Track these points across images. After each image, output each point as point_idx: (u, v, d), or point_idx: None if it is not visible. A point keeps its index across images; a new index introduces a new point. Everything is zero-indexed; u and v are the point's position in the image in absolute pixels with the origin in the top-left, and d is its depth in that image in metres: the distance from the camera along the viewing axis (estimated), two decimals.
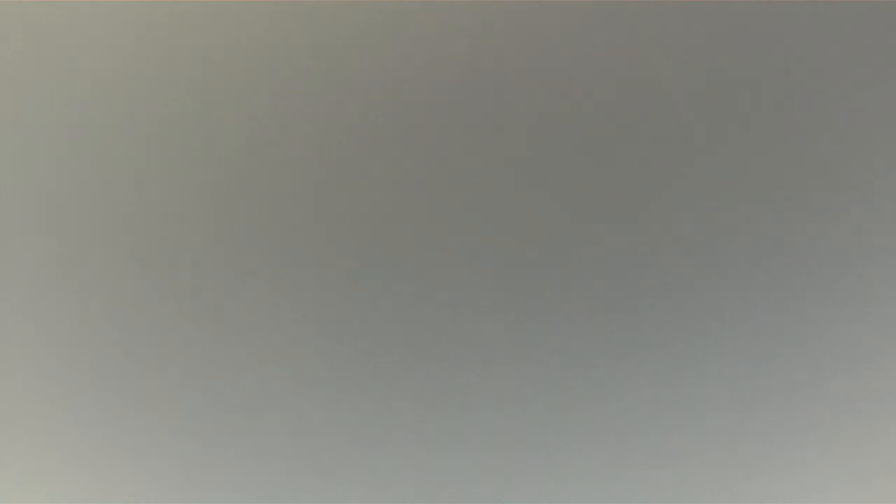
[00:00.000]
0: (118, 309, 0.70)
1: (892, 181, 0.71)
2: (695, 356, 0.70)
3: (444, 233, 0.70)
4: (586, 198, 0.70)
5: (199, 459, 0.70)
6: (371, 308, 0.70)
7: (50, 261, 0.71)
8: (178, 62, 0.72)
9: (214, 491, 0.70)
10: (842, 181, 0.71)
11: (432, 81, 0.71)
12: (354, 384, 0.70)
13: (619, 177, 0.70)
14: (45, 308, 0.71)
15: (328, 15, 0.72)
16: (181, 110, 0.72)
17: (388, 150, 0.71)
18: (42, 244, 0.71)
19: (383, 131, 0.71)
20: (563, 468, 0.70)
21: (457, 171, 0.70)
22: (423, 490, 0.70)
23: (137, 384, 0.70)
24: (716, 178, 0.70)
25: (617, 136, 0.70)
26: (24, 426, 0.70)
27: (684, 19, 0.70)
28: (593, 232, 0.70)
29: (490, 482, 0.70)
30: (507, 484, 0.70)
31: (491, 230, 0.70)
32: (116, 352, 0.71)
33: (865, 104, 0.71)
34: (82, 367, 0.71)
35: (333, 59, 0.72)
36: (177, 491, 0.70)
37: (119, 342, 0.70)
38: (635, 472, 0.70)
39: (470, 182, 0.70)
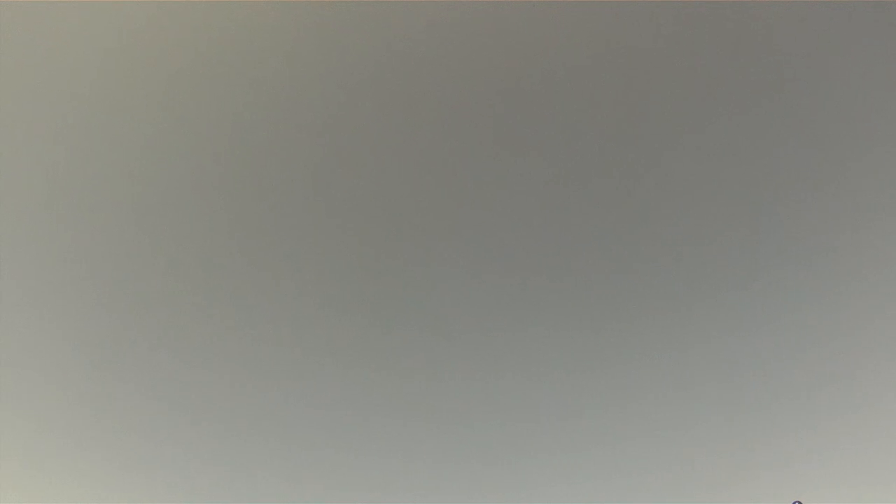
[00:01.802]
0: (119, 307, 0.70)
1: (892, 181, 0.71)
2: (696, 359, 0.70)
3: (446, 230, 0.69)
4: (587, 197, 0.70)
5: (199, 458, 0.70)
6: (376, 311, 0.70)
7: (52, 259, 0.71)
8: (178, 62, 0.72)
9: (216, 490, 0.70)
10: (842, 182, 0.71)
11: (432, 82, 0.71)
12: (356, 384, 0.70)
13: (619, 177, 0.70)
14: (48, 306, 0.70)
15: (328, 15, 0.72)
16: (182, 110, 0.71)
17: (392, 150, 0.70)
18: (44, 243, 0.71)
19: (386, 131, 0.71)
20: (566, 471, 0.70)
21: (458, 171, 0.70)
22: (425, 491, 0.70)
23: (138, 384, 0.70)
24: (717, 180, 0.70)
25: (619, 137, 0.70)
26: (25, 426, 0.70)
27: (684, 19, 0.70)
28: (595, 233, 0.70)
29: (493, 486, 0.70)
30: (510, 487, 0.70)
31: (494, 230, 0.70)
32: (117, 351, 0.70)
33: (865, 104, 0.71)
34: (85, 364, 0.70)
35: (334, 59, 0.72)
36: (178, 490, 0.70)
37: (119, 341, 0.70)
38: (636, 476, 0.70)
39: (472, 182, 0.70)
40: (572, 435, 0.71)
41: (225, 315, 0.72)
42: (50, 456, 0.72)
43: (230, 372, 0.72)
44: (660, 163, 0.71)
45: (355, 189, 0.72)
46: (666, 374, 0.70)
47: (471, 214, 0.72)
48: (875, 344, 0.71)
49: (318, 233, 0.72)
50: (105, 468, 0.72)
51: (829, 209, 0.71)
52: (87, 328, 0.73)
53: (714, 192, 0.72)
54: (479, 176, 0.72)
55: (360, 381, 0.72)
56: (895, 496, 0.69)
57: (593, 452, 0.71)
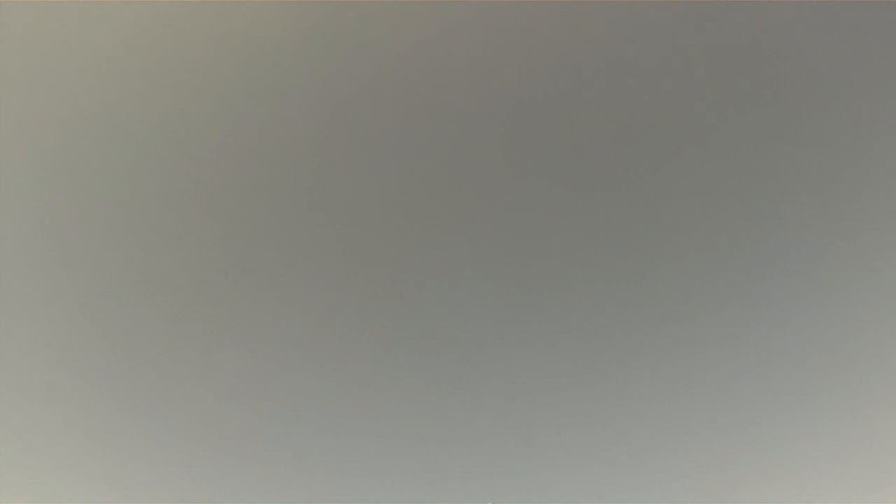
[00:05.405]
0: (117, 309, 0.70)
1: (892, 181, 0.71)
2: (697, 356, 0.70)
3: (449, 242, 0.69)
4: (586, 195, 0.70)
5: (197, 459, 0.70)
6: (371, 312, 0.70)
7: (51, 260, 0.71)
8: (178, 62, 0.72)
9: (216, 490, 0.70)
10: (843, 182, 0.71)
11: (435, 88, 0.71)
12: (352, 384, 0.70)
13: (622, 186, 0.70)
14: (46, 309, 0.70)
15: (327, 15, 0.72)
16: (181, 110, 0.71)
17: (394, 160, 0.70)
18: (42, 244, 0.71)
19: (387, 140, 0.71)
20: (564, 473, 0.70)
21: (458, 172, 0.70)
22: (423, 489, 0.70)
23: (136, 384, 0.70)
24: (722, 187, 0.70)
25: (622, 146, 0.70)
26: (25, 427, 0.70)
27: (685, 19, 0.70)
28: (599, 242, 0.69)
29: (491, 485, 0.70)
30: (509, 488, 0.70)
31: (498, 242, 0.69)
32: (115, 352, 0.70)
33: (865, 104, 0.71)
34: (82, 368, 0.70)
35: (333, 60, 0.72)
36: (178, 491, 0.70)
37: (118, 342, 0.70)
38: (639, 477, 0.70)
39: (471, 183, 0.70)
40: (581, 447, 0.71)
41: (225, 331, 0.72)
42: (38, 468, 0.72)
43: (226, 386, 0.72)
44: (665, 170, 0.71)
45: (356, 201, 0.72)
46: (672, 382, 0.70)
47: (474, 226, 0.72)
48: (883, 346, 0.70)
49: (317, 244, 0.72)
50: (94, 481, 0.72)
51: (835, 214, 0.71)
52: (79, 338, 0.73)
53: (719, 198, 0.71)
54: (483, 187, 0.71)
55: (358, 395, 0.72)
56: None
57: (602, 463, 0.70)
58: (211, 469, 0.72)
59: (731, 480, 0.72)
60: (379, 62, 0.71)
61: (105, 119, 0.73)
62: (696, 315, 0.72)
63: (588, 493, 0.72)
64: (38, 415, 0.72)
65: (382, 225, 0.71)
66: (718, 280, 0.71)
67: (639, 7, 0.71)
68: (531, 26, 0.72)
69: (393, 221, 0.71)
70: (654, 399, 0.72)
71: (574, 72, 0.72)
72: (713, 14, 0.72)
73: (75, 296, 0.72)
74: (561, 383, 0.72)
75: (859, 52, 0.72)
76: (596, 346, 0.72)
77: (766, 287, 0.72)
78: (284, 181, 0.71)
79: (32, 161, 0.72)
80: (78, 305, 0.72)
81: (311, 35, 0.72)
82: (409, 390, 0.72)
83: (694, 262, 0.71)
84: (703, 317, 0.72)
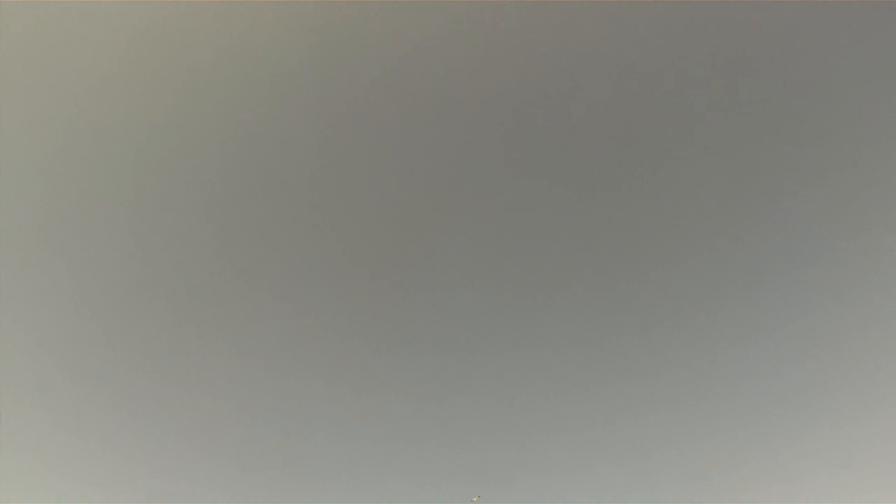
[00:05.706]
0: (112, 311, 0.70)
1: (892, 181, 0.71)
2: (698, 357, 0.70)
3: (441, 233, 0.69)
4: (586, 195, 0.70)
5: (192, 461, 0.70)
6: (365, 315, 0.70)
7: (46, 262, 0.71)
8: (177, 64, 0.72)
9: (208, 491, 0.70)
10: (844, 182, 0.71)
11: (431, 82, 0.71)
12: (347, 387, 0.70)
13: (622, 190, 0.70)
14: (42, 310, 0.70)
15: (328, 16, 0.72)
16: (180, 112, 0.72)
17: (389, 153, 0.70)
18: (39, 245, 0.71)
19: (384, 133, 0.71)
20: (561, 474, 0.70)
21: (458, 172, 0.70)
22: (418, 488, 0.70)
23: (131, 387, 0.70)
24: (720, 180, 0.70)
25: (619, 137, 0.70)
26: (18, 429, 0.70)
27: (686, 19, 0.70)
28: (600, 248, 0.70)
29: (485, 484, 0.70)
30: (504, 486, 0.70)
31: (499, 247, 0.69)
32: (111, 354, 0.70)
33: (865, 104, 0.71)
34: (77, 370, 0.70)
35: (332, 61, 0.72)
36: (173, 492, 0.70)
37: (114, 345, 0.70)
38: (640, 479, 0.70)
39: (471, 184, 0.70)
40: (576, 451, 0.71)
41: (220, 334, 0.72)
42: (32, 469, 0.72)
43: (221, 389, 0.72)
44: (665, 170, 0.71)
45: (354, 203, 0.73)
46: (669, 387, 0.70)
47: (473, 228, 0.72)
48: (887, 348, 0.71)
49: (314, 247, 0.72)
50: (88, 483, 0.72)
51: (836, 214, 0.71)
52: (74, 340, 0.73)
53: (721, 199, 0.72)
54: (483, 188, 0.72)
55: (353, 399, 0.72)
56: None
57: (597, 466, 0.71)
58: (205, 470, 0.72)
59: (725, 484, 0.72)
60: (379, 62, 0.72)
61: (105, 119, 0.73)
62: (697, 318, 0.72)
63: (582, 495, 0.72)
64: (32, 416, 0.72)
65: (379, 227, 0.71)
66: (720, 282, 0.72)
67: (639, 8, 0.72)
68: (531, 26, 0.73)
69: (390, 223, 0.71)
70: (651, 404, 0.72)
71: (574, 72, 0.72)
72: (713, 14, 0.72)
73: (71, 297, 0.73)
74: (557, 388, 0.72)
75: (859, 52, 0.72)
76: (593, 350, 0.72)
77: (769, 289, 0.72)
78: (282, 184, 0.72)
79: (32, 161, 0.72)
80: (74, 307, 0.72)
81: (311, 36, 0.73)
82: (403, 393, 0.72)
83: (695, 264, 0.72)
84: (704, 320, 0.72)
